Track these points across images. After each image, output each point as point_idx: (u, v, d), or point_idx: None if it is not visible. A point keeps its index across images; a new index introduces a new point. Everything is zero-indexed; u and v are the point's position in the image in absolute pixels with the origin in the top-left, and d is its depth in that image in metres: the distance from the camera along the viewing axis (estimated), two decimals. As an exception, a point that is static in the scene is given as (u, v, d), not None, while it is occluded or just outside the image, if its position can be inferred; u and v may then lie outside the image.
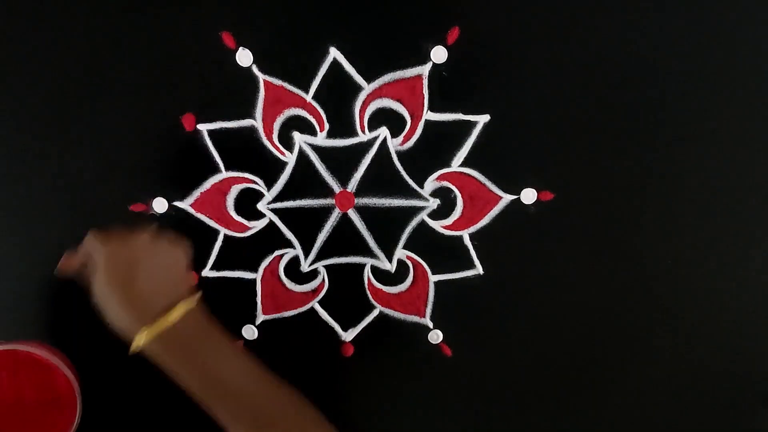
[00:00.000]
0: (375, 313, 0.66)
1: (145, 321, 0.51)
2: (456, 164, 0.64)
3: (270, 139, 0.63)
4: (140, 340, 0.50)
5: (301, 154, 0.63)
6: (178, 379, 0.51)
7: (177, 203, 0.64)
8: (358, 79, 0.62)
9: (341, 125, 0.63)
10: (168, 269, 0.54)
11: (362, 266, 0.65)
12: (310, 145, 0.63)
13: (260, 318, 0.66)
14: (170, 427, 0.67)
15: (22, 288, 0.65)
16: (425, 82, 0.62)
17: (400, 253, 0.65)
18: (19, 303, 0.65)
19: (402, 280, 0.66)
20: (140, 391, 0.66)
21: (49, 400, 0.57)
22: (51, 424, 0.58)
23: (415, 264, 0.65)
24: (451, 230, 0.65)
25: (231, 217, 0.64)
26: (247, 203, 0.64)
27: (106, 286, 0.52)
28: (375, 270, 0.65)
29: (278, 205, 0.64)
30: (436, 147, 0.63)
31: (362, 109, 0.63)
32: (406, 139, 0.63)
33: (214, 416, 0.52)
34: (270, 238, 0.64)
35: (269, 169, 0.63)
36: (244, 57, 0.61)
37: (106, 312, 0.52)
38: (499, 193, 0.64)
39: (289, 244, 0.65)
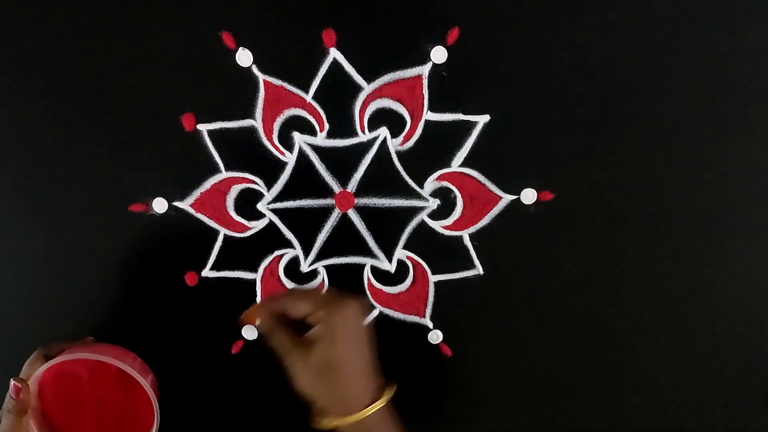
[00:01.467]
0: (375, 313, 0.66)
1: (346, 410, 0.48)
2: (456, 164, 0.64)
3: (270, 139, 0.63)
4: (329, 423, 0.48)
5: (301, 154, 0.63)
6: None
7: (177, 203, 0.64)
8: (358, 79, 0.62)
9: (341, 125, 0.63)
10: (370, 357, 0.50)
11: (362, 266, 0.65)
12: (310, 145, 0.63)
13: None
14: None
15: (20, 289, 0.65)
16: (425, 82, 0.62)
17: (400, 253, 0.65)
18: (17, 303, 0.65)
19: (402, 281, 0.65)
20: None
21: (128, 414, 0.57)
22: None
23: (415, 264, 0.65)
24: (451, 230, 0.65)
25: (231, 217, 0.64)
26: (247, 203, 0.64)
27: (337, 357, 0.47)
28: (375, 270, 0.65)
29: (278, 205, 0.64)
30: (436, 147, 0.63)
31: (362, 109, 0.63)
32: (406, 139, 0.63)
33: None
34: (270, 239, 0.64)
35: (269, 169, 0.63)
36: (244, 57, 0.61)
37: (307, 381, 0.48)
38: (499, 193, 0.64)
39: (288, 245, 0.65)
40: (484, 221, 0.64)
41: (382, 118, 0.63)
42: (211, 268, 0.65)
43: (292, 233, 0.65)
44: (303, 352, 0.49)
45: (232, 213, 0.64)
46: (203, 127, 0.62)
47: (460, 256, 0.65)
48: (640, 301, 0.65)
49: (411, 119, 0.63)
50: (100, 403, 0.56)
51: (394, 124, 0.63)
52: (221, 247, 0.64)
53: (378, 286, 0.66)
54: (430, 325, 0.66)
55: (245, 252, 0.64)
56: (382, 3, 0.61)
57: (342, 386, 0.49)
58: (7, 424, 0.50)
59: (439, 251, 0.65)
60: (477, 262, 0.65)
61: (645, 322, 0.66)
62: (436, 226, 0.65)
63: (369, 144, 0.63)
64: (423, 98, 0.62)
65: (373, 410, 0.49)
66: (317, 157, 0.63)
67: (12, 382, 0.51)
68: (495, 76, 0.62)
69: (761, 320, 0.66)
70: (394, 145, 0.63)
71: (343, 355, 0.48)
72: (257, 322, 0.52)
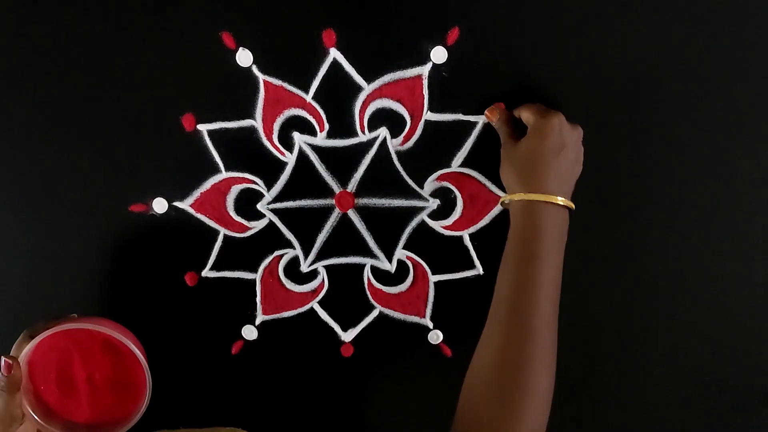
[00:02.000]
0: (375, 313, 0.66)
1: (533, 188, 0.57)
2: (456, 164, 0.64)
3: (270, 140, 0.63)
4: (516, 197, 0.57)
5: (301, 155, 0.63)
6: None
7: (177, 203, 0.64)
8: (358, 79, 0.62)
9: (341, 125, 0.63)
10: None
11: (362, 266, 0.65)
12: (310, 145, 0.63)
13: (260, 318, 0.66)
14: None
15: (20, 288, 0.65)
16: (425, 82, 0.62)
17: (400, 253, 0.65)
18: (18, 303, 0.65)
19: (402, 281, 0.65)
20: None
21: (120, 382, 0.57)
22: (118, 403, 0.57)
23: (415, 264, 0.65)
24: (451, 230, 0.65)
25: (231, 217, 0.64)
26: (247, 203, 0.64)
27: (536, 151, 0.57)
28: (375, 270, 0.65)
29: (278, 205, 0.64)
30: (436, 147, 0.63)
31: (362, 109, 0.63)
32: (406, 139, 0.63)
33: None
34: (270, 239, 0.64)
35: (269, 169, 0.63)
36: (244, 57, 0.61)
37: (509, 166, 0.59)
38: (499, 193, 0.64)
39: (288, 245, 0.65)
40: (484, 221, 0.64)
41: (382, 118, 0.63)
42: (211, 268, 0.65)
43: (292, 233, 0.64)
44: (514, 144, 0.59)
45: (232, 213, 0.64)
46: (203, 127, 0.62)
47: (460, 256, 0.65)
48: (640, 301, 0.65)
49: (411, 119, 0.63)
50: (90, 376, 0.56)
51: (394, 124, 0.63)
52: (221, 247, 0.64)
53: (378, 286, 0.66)
54: (430, 325, 0.66)
55: (245, 252, 0.64)
56: (382, 3, 0.61)
57: (536, 171, 0.56)
58: (0, 404, 0.50)
59: (439, 251, 0.65)
60: (477, 262, 0.65)
61: (645, 323, 0.66)
62: (436, 226, 0.65)
63: (369, 144, 0.63)
64: (423, 98, 0.62)
65: (551, 200, 0.56)
66: (317, 157, 0.63)
67: (2, 359, 0.50)
68: (495, 76, 0.62)
69: (761, 320, 0.66)
70: (394, 145, 0.63)
71: (542, 149, 0.57)
72: (495, 119, 0.61)
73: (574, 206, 0.57)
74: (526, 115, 0.59)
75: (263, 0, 0.61)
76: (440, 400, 0.68)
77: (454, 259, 0.65)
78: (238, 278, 0.65)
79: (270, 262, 0.65)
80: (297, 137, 0.63)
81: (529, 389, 0.53)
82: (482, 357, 0.56)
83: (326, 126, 0.63)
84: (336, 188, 0.64)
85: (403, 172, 0.64)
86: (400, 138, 0.63)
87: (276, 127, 0.63)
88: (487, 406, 0.53)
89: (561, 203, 0.56)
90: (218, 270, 0.65)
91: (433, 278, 0.65)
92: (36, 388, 0.55)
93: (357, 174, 0.64)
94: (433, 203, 0.64)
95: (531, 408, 0.53)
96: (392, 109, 0.63)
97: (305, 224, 0.64)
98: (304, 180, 0.63)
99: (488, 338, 0.56)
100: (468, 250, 0.65)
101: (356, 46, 0.61)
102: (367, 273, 0.65)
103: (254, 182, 0.63)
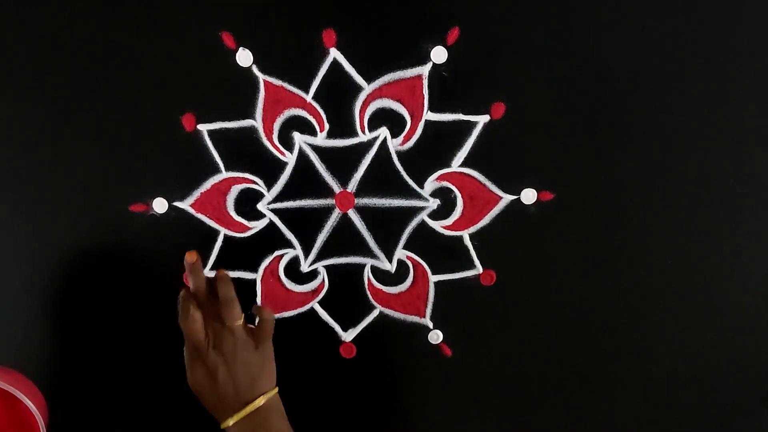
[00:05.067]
0: (375, 313, 0.66)
1: (235, 409, 0.56)
2: (456, 164, 0.64)
3: (270, 140, 0.63)
4: (229, 422, 0.55)
5: (301, 155, 0.63)
6: None
7: (177, 203, 0.64)
8: (358, 79, 0.62)
9: (341, 125, 0.63)
10: (259, 365, 0.58)
11: (362, 266, 0.65)
12: (310, 145, 0.63)
13: (260, 318, 0.66)
14: None
15: (20, 289, 0.65)
16: (425, 82, 0.62)
17: (400, 253, 0.65)
18: (17, 302, 0.65)
19: (402, 281, 0.65)
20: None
21: (12, 430, 0.58)
22: None
23: (415, 264, 0.65)
24: (451, 230, 0.65)
25: (231, 217, 0.64)
26: (247, 203, 0.64)
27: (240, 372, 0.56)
28: (375, 270, 0.65)
29: (278, 205, 0.64)
30: (436, 147, 0.63)
31: (362, 109, 0.63)
32: (406, 139, 0.63)
33: None
34: (270, 239, 0.64)
35: (269, 169, 0.63)
36: (244, 57, 0.61)
37: (207, 395, 0.57)
38: (499, 193, 0.64)
39: (289, 245, 0.65)
40: (484, 221, 0.64)
41: (382, 118, 0.63)
42: (212, 269, 0.65)
43: (292, 233, 0.65)
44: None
45: (233, 213, 0.64)
46: (203, 127, 0.62)
47: (460, 256, 0.65)
48: (640, 301, 0.65)
49: (411, 119, 0.63)
50: None
51: (394, 124, 0.63)
52: (221, 247, 0.64)
53: (378, 286, 0.66)
54: (430, 325, 0.66)
55: (245, 252, 0.64)
56: (382, 3, 0.61)
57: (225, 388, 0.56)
58: None
59: (439, 251, 0.65)
60: (477, 262, 0.65)
61: (645, 322, 0.66)
62: (436, 226, 0.65)
63: (369, 144, 0.63)
64: (423, 98, 0.62)
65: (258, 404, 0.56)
66: (317, 157, 0.63)
67: None
68: (495, 76, 0.62)
69: (761, 320, 0.66)
70: (395, 145, 0.63)
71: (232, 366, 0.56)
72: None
73: (276, 388, 0.58)
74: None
75: (263, 0, 0.61)
76: (440, 400, 0.68)
77: (454, 259, 0.65)
78: (238, 278, 0.65)
79: (270, 262, 0.65)
80: (297, 137, 0.63)
81: None
82: None
83: (326, 126, 0.63)
84: (336, 188, 0.64)
85: (403, 172, 0.64)
86: (400, 138, 0.63)
87: (276, 127, 0.63)
88: None
89: (263, 402, 0.56)
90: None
91: (433, 278, 0.65)
92: None
93: (357, 174, 0.64)
94: (433, 203, 0.64)
95: None
96: (392, 109, 0.63)
97: (305, 224, 0.64)
98: (305, 180, 0.63)
99: None
100: (468, 250, 0.65)
101: (356, 46, 0.61)
102: (367, 273, 0.65)
103: (254, 182, 0.64)
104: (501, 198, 0.64)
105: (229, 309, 0.57)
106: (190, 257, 0.57)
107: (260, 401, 0.56)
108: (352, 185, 0.64)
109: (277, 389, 0.58)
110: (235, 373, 0.56)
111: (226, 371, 0.56)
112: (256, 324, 0.59)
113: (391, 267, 0.65)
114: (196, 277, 0.58)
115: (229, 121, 0.62)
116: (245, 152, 0.63)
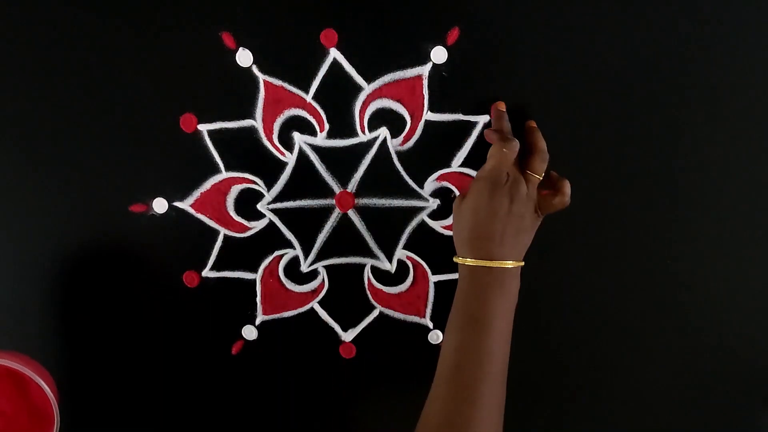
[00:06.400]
0: (375, 313, 0.66)
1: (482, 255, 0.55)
2: (456, 164, 0.64)
3: (270, 140, 0.63)
4: (468, 262, 0.55)
5: (301, 155, 0.63)
6: None
7: (177, 203, 0.64)
8: (358, 79, 0.62)
9: (341, 125, 0.63)
10: (528, 230, 0.58)
11: (362, 266, 0.65)
12: (310, 145, 0.63)
13: (260, 318, 0.66)
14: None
15: (20, 289, 0.65)
16: (425, 82, 0.62)
17: (400, 253, 0.65)
18: (17, 302, 0.65)
19: (402, 281, 0.65)
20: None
21: (26, 411, 0.58)
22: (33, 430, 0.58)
23: (415, 264, 0.65)
24: (451, 230, 0.64)
25: (231, 217, 0.64)
26: (247, 203, 0.64)
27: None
28: (375, 270, 0.65)
29: (278, 205, 0.64)
30: (436, 147, 0.63)
31: (362, 109, 0.63)
32: (406, 139, 0.63)
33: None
34: (270, 239, 0.64)
35: (269, 169, 0.63)
36: (244, 57, 0.61)
37: (472, 222, 0.56)
38: (499, 193, 0.64)
39: (288, 245, 0.65)
40: (484, 221, 0.64)
41: (382, 118, 0.63)
42: (211, 269, 0.65)
43: (292, 233, 0.64)
44: (461, 199, 0.58)
45: (232, 213, 0.64)
46: (203, 128, 0.62)
47: (460, 256, 0.65)
48: (640, 301, 0.65)
49: (411, 119, 0.63)
50: (2, 410, 0.57)
51: (394, 124, 0.63)
52: (221, 248, 0.64)
53: (378, 286, 0.66)
54: (430, 325, 0.66)
55: (245, 252, 0.64)
56: (382, 3, 0.61)
57: (480, 237, 0.55)
58: None
59: (439, 251, 0.65)
60: (477, 262, 0.65)
61: (645, 322, 0.66)
62: (436, 226, 0.65)
63: (369, 144, 0.63)
64: (423, 98, 0.62)
65: (499, 265, 0.54)
66: (317, 157, 0.63)
67: None
68: (495, 76, 0.62)
69: (761, 320, 0.66)
70: (394, 145, 0.63)
71: (486, 211, 0.55)
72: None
73: (523, 263, 0.57)
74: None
75: (263, 0, 0.61)
76: (440, 400, 0.68)
77: (454, 259, 0.65)
78: (238, 278, 0.65)
79: (270, 262, 0.65)
80: (297, 137, 0.63)
81: None
82: (428, 416, 0.54)
83: (326, 126, 0.63)
84: (336, 188, 0.64)
85: (403, 172, 0.64)
86: (400, 138, 0.63)
87: (276, 127, 0.63)
88: None
89: (510, 266, 0.55)
90: (218, 270, 0.65)
91: (433, 278, 0.65)
92: None
93: (357, 174, 0.64)
94: (433, 203, 0.64)
95: None
96: (392, 109, 0.63)
97: (305, 224, 0.64)
98: (304, 180, 0.63)
99: (435, 397, 0.54)
100: (468, 250, 0.65)
101: (356, 46, 0.61)
102: (367, 273, 0.65)
103: (254, 182, 0.63)
104: (501, 198, 0.64)
105: (540, 161, 0.58)
106: (501, 105, 0.60)
107: (509, 264, 0.54)
108: (352, 185, 0.64)
109: (522, 264, 0.57)
110: (510, 221, 0.55)
111: (505, 214, 0.54)
112: (551, 193, 0.59)
113: (391, 267, 0.65)
114: (507, 122, 0.59)
115: (229, 121, 0.62)
116: (245, 152, 0.63)
